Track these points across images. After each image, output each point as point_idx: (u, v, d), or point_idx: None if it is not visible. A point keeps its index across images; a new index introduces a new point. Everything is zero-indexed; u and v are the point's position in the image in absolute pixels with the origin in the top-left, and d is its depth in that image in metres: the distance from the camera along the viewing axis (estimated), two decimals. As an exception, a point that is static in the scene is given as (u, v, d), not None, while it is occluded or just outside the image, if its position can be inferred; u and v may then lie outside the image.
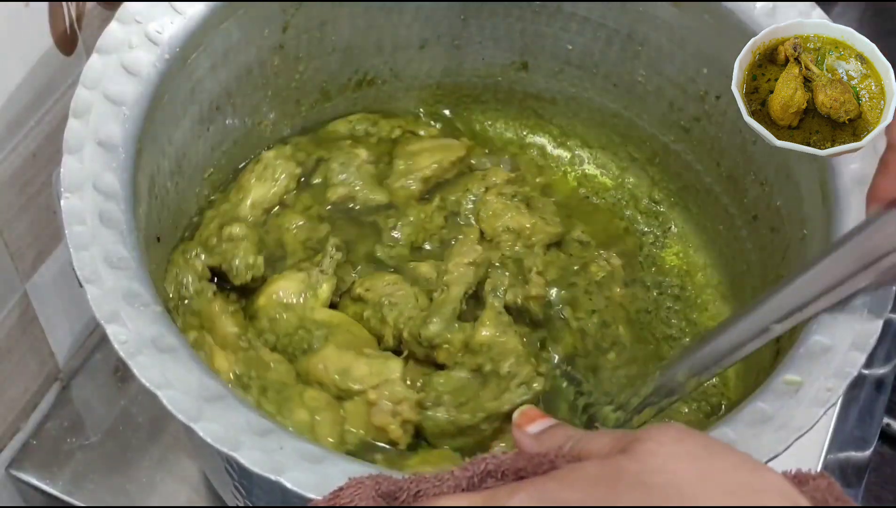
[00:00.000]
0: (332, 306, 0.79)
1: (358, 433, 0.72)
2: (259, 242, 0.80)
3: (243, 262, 0.78)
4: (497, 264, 0.81)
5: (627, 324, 0.83)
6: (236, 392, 0.70)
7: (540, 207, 0.86)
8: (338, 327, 0.76)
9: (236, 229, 0.79)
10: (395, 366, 0.73)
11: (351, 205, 0.84)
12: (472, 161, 0.89)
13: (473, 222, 0.84)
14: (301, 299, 0.77)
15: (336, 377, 0.73)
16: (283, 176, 0.84)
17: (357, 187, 0.85)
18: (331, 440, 0.71)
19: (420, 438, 0.73)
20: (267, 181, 0.83)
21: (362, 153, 0.87)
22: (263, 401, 0.72)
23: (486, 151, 0.91)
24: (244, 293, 0.79)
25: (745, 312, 0.67)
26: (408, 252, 0.82)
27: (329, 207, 0.84)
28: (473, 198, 0.85)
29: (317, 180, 0.86)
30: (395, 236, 0.83)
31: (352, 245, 0.82)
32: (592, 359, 0.80)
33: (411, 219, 0.83)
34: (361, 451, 0.71)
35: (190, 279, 0.76)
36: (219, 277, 0.79)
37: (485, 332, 0.76)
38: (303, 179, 0.85)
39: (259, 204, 0.83)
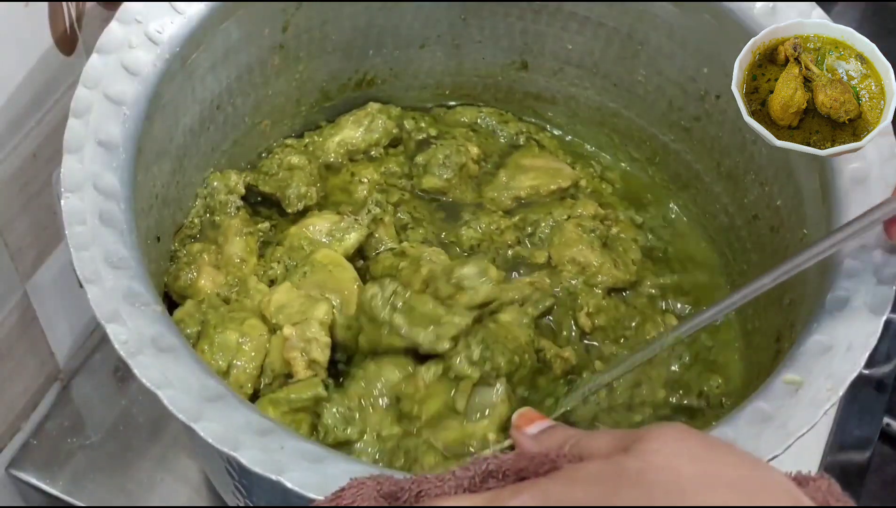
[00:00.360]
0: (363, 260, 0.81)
1: (275, 366, 0.72)
2: (318, 176, 0.83)
3: (296, 191, 0.81)
4: (555, 289, 0.80)
5: (664, 386, 0.79)
6: (191, 305, 0.74)
7: (620, 250, 0.84)
8: (322, 266, 0.77)
9: (295, 159, 0.83)
10: (322, 308, 0.73)
11: (439, 196, 0.86)
12: (572, 191, 0.88)
13: (544, 245, 0.84)
14: (327, 240, 0.79)
15: (273, 309, 0.74)
16: (379, 128, 0.87)
17: (453, 183, 0.86)
18: (240, 361, 0.71)
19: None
20: (361, 127, 0.87)
21: (473, 150, 0.88)
22: (210, 312, 0.73)
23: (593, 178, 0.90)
24: (280, 226, 0.82)
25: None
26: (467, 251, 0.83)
27: (416, 189, 0.86)
28: (552, 223, 0.84)
29: (419, 159, 0.87)
30: (461, 233, 0.83)
31: (418, 222, 0.83)
32: (615, 417, 0.77)
33: (482, 225, 0.84)
34: (275, 383, 0.72)
35: (218, 188, 0.80)
36: (272, 205, 0.83)
37: (504, 317, 0.74)
38: (398, 145, 0.88)
39: (345, 144, 0.86)
